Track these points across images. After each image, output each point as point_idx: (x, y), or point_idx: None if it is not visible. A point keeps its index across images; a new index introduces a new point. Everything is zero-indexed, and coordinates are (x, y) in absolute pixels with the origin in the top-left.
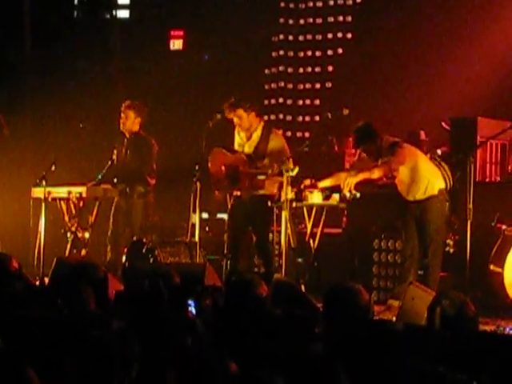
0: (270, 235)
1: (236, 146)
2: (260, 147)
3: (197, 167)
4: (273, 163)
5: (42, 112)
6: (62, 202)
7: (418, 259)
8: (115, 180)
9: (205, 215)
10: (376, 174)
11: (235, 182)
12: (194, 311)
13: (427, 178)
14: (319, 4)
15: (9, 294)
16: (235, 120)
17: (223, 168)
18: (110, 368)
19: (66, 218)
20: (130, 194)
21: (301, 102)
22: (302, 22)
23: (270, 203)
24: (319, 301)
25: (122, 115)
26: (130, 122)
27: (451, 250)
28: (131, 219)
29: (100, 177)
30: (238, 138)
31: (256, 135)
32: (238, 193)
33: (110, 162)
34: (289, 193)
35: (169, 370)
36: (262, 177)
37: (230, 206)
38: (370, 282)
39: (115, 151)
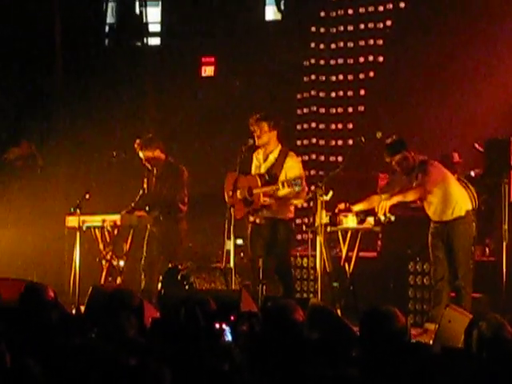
0: (305, 260)
1: (253, 169)
2: (275, 168)
3: (231, 193)
4: (285, 183)
5: (74, 141)
6: (96, 231)
7: (448, 281)
8: (147, 208)
9: (239, 241)
10: (411, 196)
11: (249, 204)
12: (230, 337)
13: (455, 199)
14: (350, 28)
15: (45, 324)
16: (256, 132)
17: (237, 191)
18: None
19: (101, 247)
20: (162, 221)
21: (333, 126)
22: (333, 46)
23: (287, 227)
24: (355, 325)
25: (141, 156)
26: (151, 158)
27: None
28: (165, 246)
29: (133, 205)
30: (255, 160)
31: (273, 156)
32: (256, 219)
33: (141, 192)
34: (323, 217)
35: None
36: (272, 192)
37: (248, 233)
38: (405, 305)
39: (145, 180)
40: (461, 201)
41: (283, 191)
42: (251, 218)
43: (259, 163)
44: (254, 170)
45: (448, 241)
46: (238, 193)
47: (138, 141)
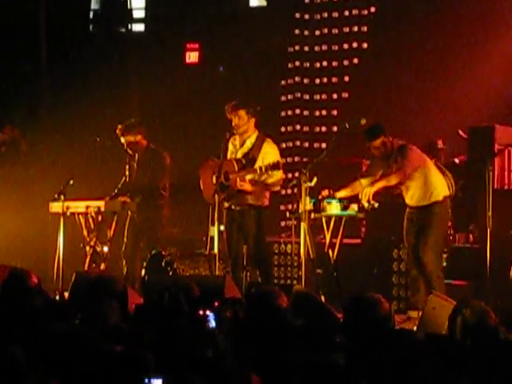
0: (289, 247)
1: (228, 155)
2: (252, 153)
3: (214, 179)
4: (263, 168)
5: (58, 127)
6: (80, 217)
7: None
8: (129, 195)
9: (223, 227)
10: (393, 180)
11: (224, 187)
12: (213, 323)
13: (433, 184)
14: (335, 14)
15: (29, 310)
16: (234, 120)
17: (213, 175)
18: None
19: (85, 233)
20: (144, 207)
21: (318, 113)
22: (317, 32)
23: (261, 215)
24: (339, 311)
25: (122, 141)
26: (133, 143)
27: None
28: (146, 233)
29: (116, 191)
30: (231, 146)
31: (249, 142)
32: (232, 205)
33: (123, 178)
34: (307, 204)
35: (189, 382)
36: (249, 176)
37: (224, 219)
38: (389, 291)
39: (127, 166)
40: (439, 186)
41: (261, 176)
42: (226, 204)
43: (235, 149)
44: (229, 156)
45: (421, 224)
46: (214, 177)
47: (119, 126)
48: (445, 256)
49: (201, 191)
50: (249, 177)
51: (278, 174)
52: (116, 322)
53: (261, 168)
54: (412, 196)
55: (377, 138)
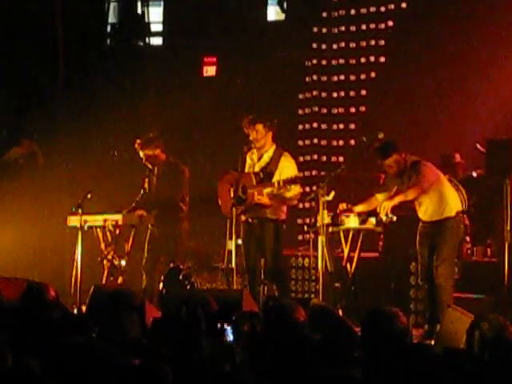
0: (307, 260)
1: (246, 168)
2: (269, 167)
3: (232, 193)
4: (281, 183)
5: (76, 140)
6: (98, 230)
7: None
8: (147, 208)
9: (241, 241)
10: (410, 195)
11: (242, 202)
12: (231, 337)
13: (447, 200)
14: (352, 28)
15: (46, 323)
16: (252, 134)
17: (231, 189)
18: None
19: (103, 246)
20: (163, 221)
21: (335, 127)
22: (334, 46)
23: (277, 229)
24: (357, 325)
25: (141, 156)
26: (152, 157)
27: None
28: (166, 246)
29: (134, 204)
30: (249, 160)
31: (267, 156)
32: (249, 218)
33: (142, 191)
34: (325, 217)
35: None
36: (267, 190)
37: (241, 233)
38: (407, 305)
39: (146, 180)
40: (452, 202)
41: (279, 190)
42: (243, 218)
43: (253, 163)
44: (247, 170)
45: (434, 238)
46: (232, 191)
47: (138, 140)
48: (456, 269)
49: (218, 205)
50: (267, 191)
51: (296, 189)
52: (136, 335)
53: (278, 182)
54: (425, 211)
55: (389, 156)
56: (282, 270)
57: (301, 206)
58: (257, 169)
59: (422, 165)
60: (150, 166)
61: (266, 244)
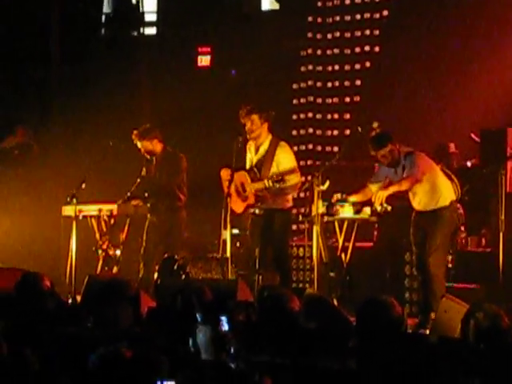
0: (301, 250)
1: (247, 161)
2: (265, 160)
3: (227, 183)
4: (270, 180)
5: (71, 129)
6: (92, 220)
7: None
8: (146, 195)
9: (235, 231)
10: (404, 186)
11: (245, 199)
12: (226, 327)
13: (441, 189)
14: (347, 18)
15: (41, 313)
16: (247, 125)
17: (233, 186)
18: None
19: (97, 236)
20: (162, 210)
21: (330, 116)
22: (329, 36)
23: (285, 217)
24: (352, 315)
25: (139, 146)
26: (150, 148)
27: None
28: (164, 236)
29: (129, 194)
30: (249, 153)
31: (263, 148)
32: (255, 210)
33: (138, 180)
34: (320, 207)
35: None
36: (259, 185)
37: (248, 224)
38: (402, 295)
39: (144, 169)
40: (445, 191)
41: (273, 186)
42: (251, 210)
43: (252, 156)
44: (248, 162)
45: (428, 228)
46: (234, 189)
47: (135, 132)
48: (450, 258)
49: (219, 196)
50: (263, 186)
51: (295, 179)
52: (128, 325)
53: (268, 181)
54: (419, 201)
55: (384, 146)
56: (287, 260)
57: (295, 195)
58: (254, 161)
59: (415, 155)
60: (148, 157)
61: (272, 234)
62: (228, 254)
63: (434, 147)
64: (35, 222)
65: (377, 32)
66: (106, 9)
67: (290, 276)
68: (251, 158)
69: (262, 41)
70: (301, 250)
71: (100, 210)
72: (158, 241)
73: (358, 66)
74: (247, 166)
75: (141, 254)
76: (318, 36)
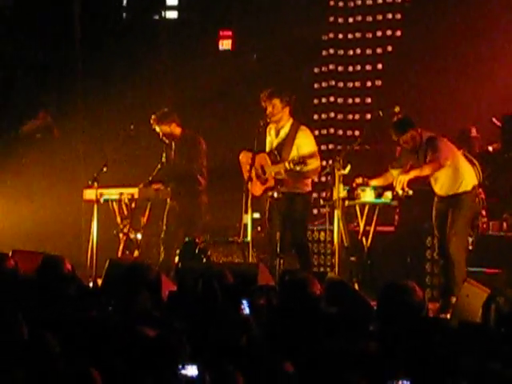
0: (322, 234)
1: (267, 144)
2: (286, 144)
3: (248, 167)
4: (291, 163)
5: (92, 113)
6: (113, 204)
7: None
8: (166, 179)
9: (256, 215)
10: (426, 170)
11: (264, 181)
12: (247, 311)
13: (463, 174)
14: (369, 2)
15: (62, 296)
16: (269, 108)
17: (252, 169)
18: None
19: (118, 220)
20: (182, 194)
21: (351, 101)
22: (351, 20)
23: (305, 201)
24: (373, 299)
25: (158, 131)
26: (168, 131)
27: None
28: (185, 220)
29: (150, 178)
30: (269, 136)
31: (283, 132)
32: (274, 193)
33: (159, 166)
34: (341, 191)
35: (224, 369)
36: (283, 167)
37: (266, 207)
38: (423, 279)
39: (164, 154)
40: (467, 176)
41: (294, 169)
42: (269, 193)
43: (272, 139)
44: (267, 145)
45: (450, 212)
46: (253, 171)
47: (153, 116)
48: (471, 241)
49: (241, 180)
50: (283, 168)
51: (315, 163)
52: (149, 309)
53: (289, 163)
54: (442, 186)
55: (406, 132)
56: (306, 244)
57: (317, 180)
58: (274, 145)
59: (437, 140)
60: (166, 141)
61: (291, 217)
62: (249, 238)
63: (456, 132)
64: (57, 206)
65: (399, 16)
66: None
67: (309, 260)
68: (271, 140)
69: (284, 25)
70: (322, 234)
71: (121, 194)
72: (179, 225)
73: (379, 50)
74: (267, 150)
75: (161, 237)
76: (340, 20)
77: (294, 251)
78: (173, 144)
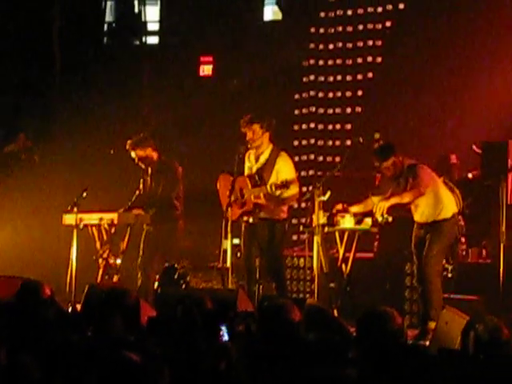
0: (302, 260)
1: (246, 169)
2: (266, 169)
3: (227, 192)
4: (273, 187)
5: (72, 138)
6: (93, 229)
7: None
8: (143, 207)
9: (236, 241)
10: (407, 198)
11: (242, 205)
12: (226, 337)
13: (443, 201)
14: (349, 29)
15: (42, 321)
16: (248, 134)
17: (228, 191)
18: None
19: (98, 245)
20: (159, 220)
21: (331, 127)
22: (331, 46)
23: (281, 228)
24: (352, 325)
25: (133, 156)
26: (144, 157)
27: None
28: (161, 245)
29: (130, 203)
30: (248, 162)
31: (263, 157)
32: (250, 219)
33: (137, 192)
34: (321, 217)
35: None
36: (263, 192)
37: (242, 233)
38: (402, 306)
39: (141, 180)
40: (448, 203)
41: (274, 193)
42: (245, 218)
43: (251, 164)
44: (246, 171)
45: (428, 239)
46: (233, 196)
47: (128, 141)
48: (450, 269)
49: (214, 205)
50: (262, 193)
51: (294, 189)
52: (122, 335)
53: (271, 186)
54: (422, 213)
55: (388, 158)
56: (282, 269)
57: (296, 206)
58: (254, 170)
59: (419, 168)
60: (142, 166)
61: (265, 243)
62: (228, 263)
63: (435, 159)
64: (36, 231)
65: (379, 43)
66: (109, 18)
67: (285, 286)
68: (250, 166)
69: (265, 51)
70: (301, 260)
71: (101, 219)
72: (154, 250)
73: (360, 77)
74: (246, 172)
75: (138, 263)
76: (321, 46)
77: (269, 277)
78: (149, 170)
